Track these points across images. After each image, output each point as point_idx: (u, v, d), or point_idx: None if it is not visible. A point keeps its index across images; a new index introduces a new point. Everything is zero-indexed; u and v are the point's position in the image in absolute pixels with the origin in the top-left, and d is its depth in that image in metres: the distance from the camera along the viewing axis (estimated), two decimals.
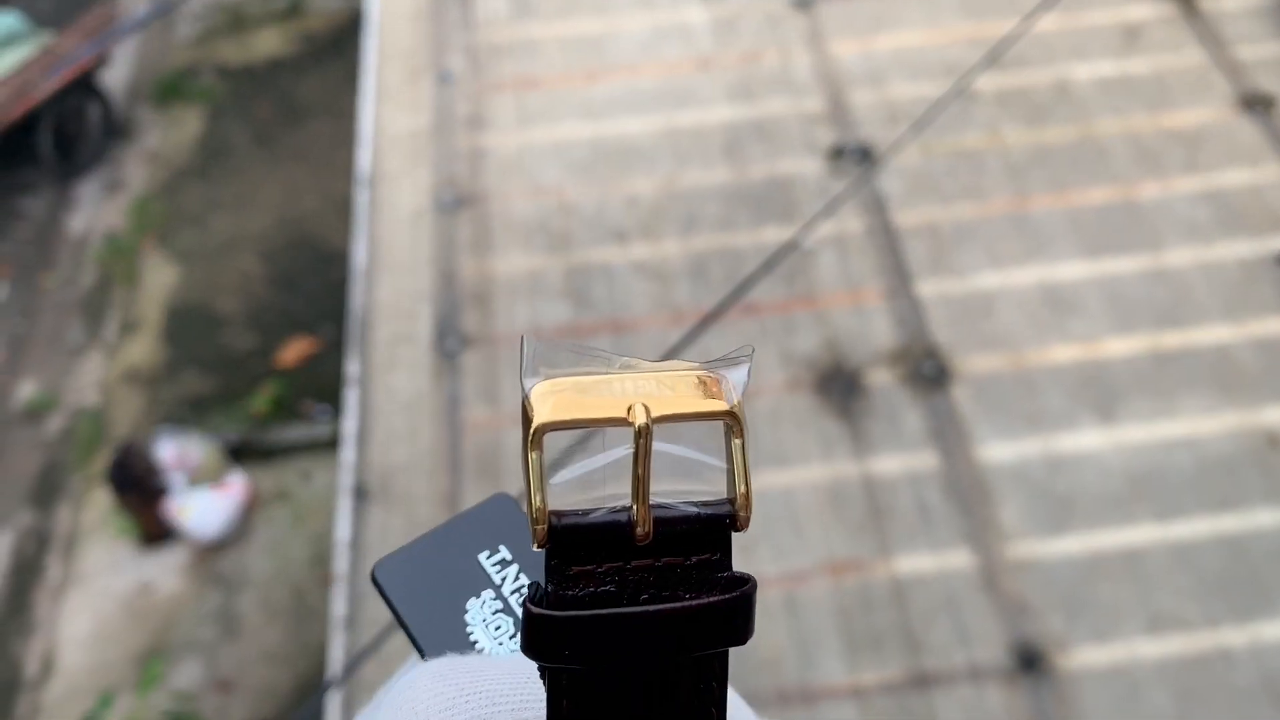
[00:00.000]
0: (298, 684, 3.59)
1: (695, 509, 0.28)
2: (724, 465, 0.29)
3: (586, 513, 0.28)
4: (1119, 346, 2.44)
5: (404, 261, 2.71)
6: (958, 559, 2.17)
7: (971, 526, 2.20)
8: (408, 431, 2.42)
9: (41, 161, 5.33)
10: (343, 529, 2.29)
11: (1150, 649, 2.04)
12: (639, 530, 0.27)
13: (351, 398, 2.48)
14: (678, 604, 0.27)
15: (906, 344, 2.46)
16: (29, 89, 5.10)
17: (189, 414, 4.35)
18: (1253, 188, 2.68)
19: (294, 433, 4.25)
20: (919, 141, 2.75)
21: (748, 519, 0.28)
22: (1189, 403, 2.34)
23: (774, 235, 2.61)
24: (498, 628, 0.41)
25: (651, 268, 2.65)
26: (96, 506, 4.11)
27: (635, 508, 0.27)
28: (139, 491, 3.89)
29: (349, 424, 2.44)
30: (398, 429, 2.43)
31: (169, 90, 5.80)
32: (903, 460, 2.29)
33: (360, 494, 2.33)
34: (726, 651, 0.29)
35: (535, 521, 0.27)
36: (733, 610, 0.28)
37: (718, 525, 0.28)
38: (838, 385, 2.41)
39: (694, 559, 0.28)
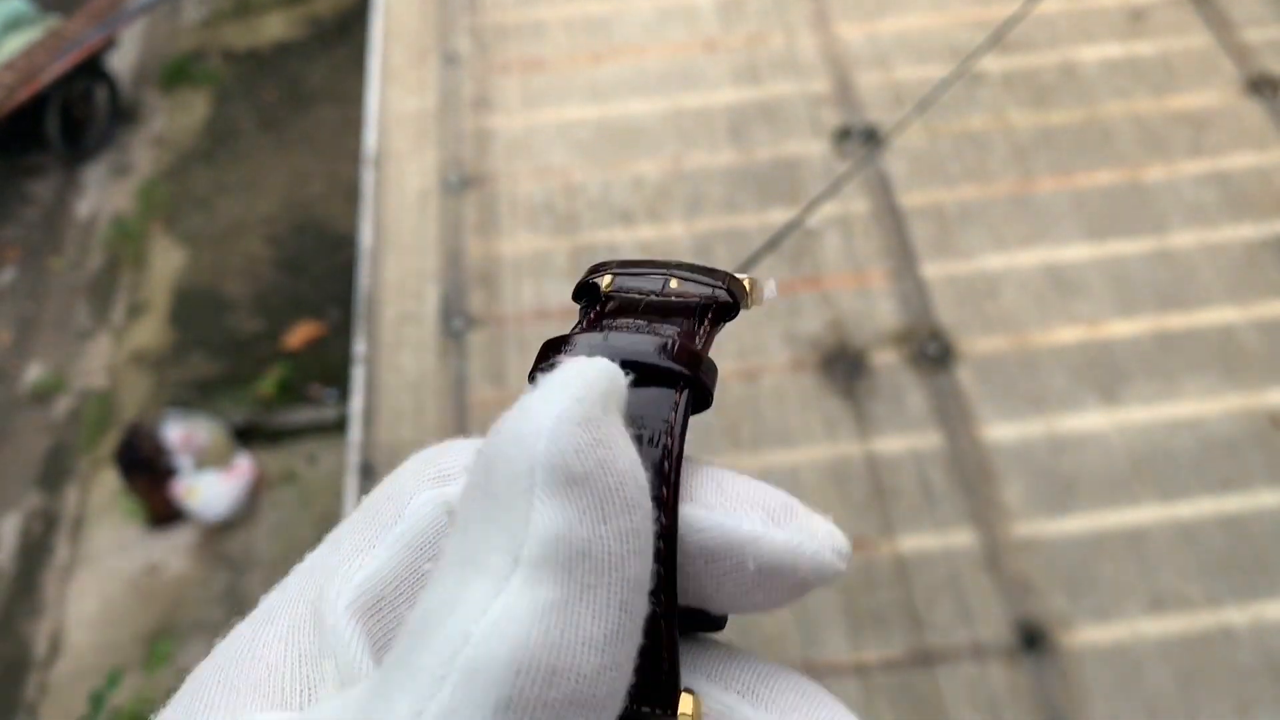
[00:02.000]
0: None
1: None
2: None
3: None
4: (1123, 328, 2.44)
5: (410, 242, 2.72)
6: (961, 538, 2.17)
7: (975, 506, 2.20)
8: (414, 410, 2.43)
9: (49, 145, 5.34)
10: (350, 507, 2.30)
11: (1152, 628, 2.05)
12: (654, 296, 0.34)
13: (358, 376, 2.49)
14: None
15: (911, 325, 2.47)
16: (36, 72, 5.10)
17: (196, 396, 4.37)
18: (1259, 171, 2.68)
19: (301, 415, 4.26)
20: (924, 123, 2.75)
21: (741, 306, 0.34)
22: (1192, 384, 2.34)
23: (779, 217, 2.62)
24: None
25: (657, 249, 2.65)
26: (104, 488, 4.14)
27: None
28: (147, 473, 3.92)
29: (356, 403, 2.45)
30: (404, 408, 2.44)
31: (176, 74, 5.80)
32: (906, 440, 2.30)
33: (367, 472, 2.35)
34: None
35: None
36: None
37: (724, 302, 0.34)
38: (842, 366, 2.42)
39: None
